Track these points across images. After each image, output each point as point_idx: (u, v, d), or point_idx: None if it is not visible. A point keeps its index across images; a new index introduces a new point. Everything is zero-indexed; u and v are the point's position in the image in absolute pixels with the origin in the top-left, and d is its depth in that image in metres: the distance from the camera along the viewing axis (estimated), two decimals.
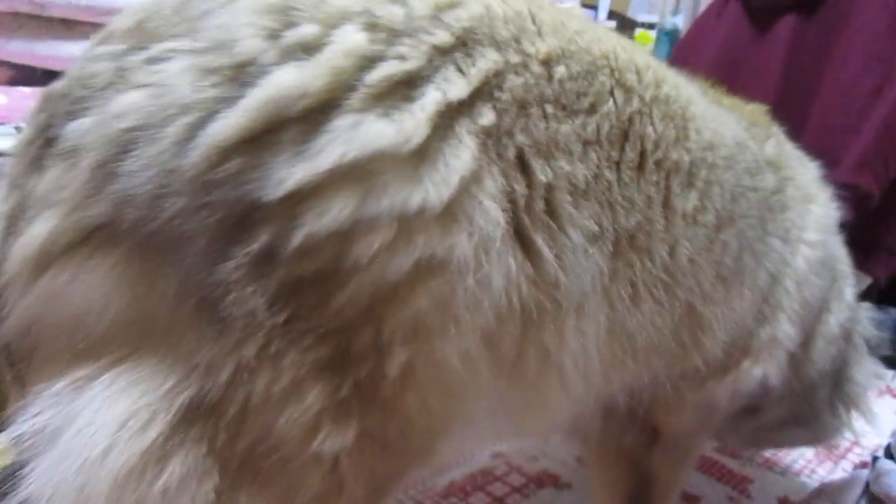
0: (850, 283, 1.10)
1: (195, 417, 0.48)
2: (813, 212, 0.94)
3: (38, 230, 0.48)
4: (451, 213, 0.50)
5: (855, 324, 1.12)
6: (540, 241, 0.57)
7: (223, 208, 0.46)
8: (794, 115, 1.98)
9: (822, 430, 1.16)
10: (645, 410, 0.87)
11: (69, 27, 1.62)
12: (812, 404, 1.08)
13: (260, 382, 0.48)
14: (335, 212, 0.47)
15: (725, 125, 0.83)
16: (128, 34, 0.51)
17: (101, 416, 0.47)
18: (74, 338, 0.49)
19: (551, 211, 0.58)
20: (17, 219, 0.51)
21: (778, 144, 0.95)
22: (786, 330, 0.90)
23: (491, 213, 0.53)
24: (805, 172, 0.99)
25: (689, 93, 0.78)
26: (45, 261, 0.49)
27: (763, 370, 0.90)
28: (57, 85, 0.53)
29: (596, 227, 0.62)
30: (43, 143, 0.51)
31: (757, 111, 0.98)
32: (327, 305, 0.49)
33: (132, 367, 0.48)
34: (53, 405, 0.48)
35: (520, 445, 1.44)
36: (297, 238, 0.46)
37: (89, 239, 0.48)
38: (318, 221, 0.46)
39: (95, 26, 0.56)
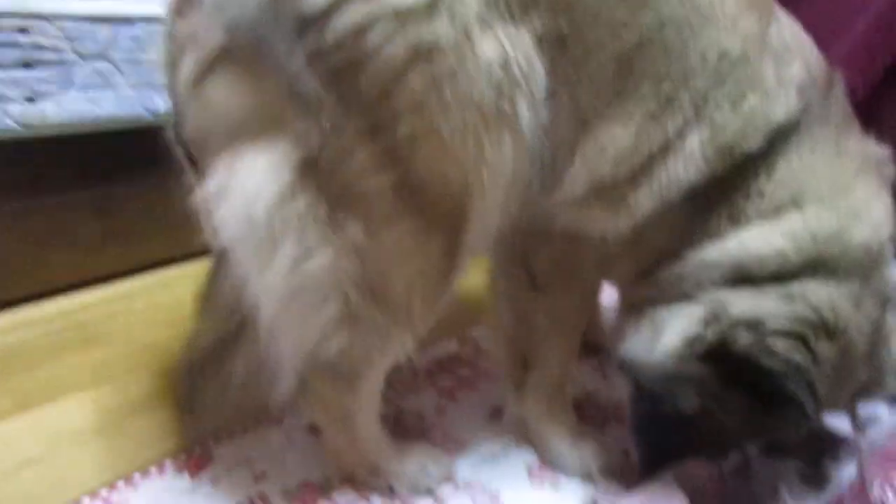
0: None
1: (305, 169, 0.74)
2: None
3: (188, 61, 0.75)
4: (435, 6, 0.70)
5: None
6: (501, 34, 0.75)
7: (288, 22, 0.69)
8: (784, 7, 1.88)
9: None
10: (526, 234, 0.97)
11: None
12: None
13: (333, 143, 0.73)
14: (352, 14, 0.69)
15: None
16: None
17: (252, 173, 0.74)
18: (224, 128, 0.76)
19: (509, 11, 0.75)
20: (175, 56, 0.78)
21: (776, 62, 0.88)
22: (681, 176, 0.86)
23: (467, 2, 0.72)
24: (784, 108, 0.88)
25: None
26: (196, 81, 0.75)
27: (643, 208, 0.88)
28: None
29: (541, 30, 0.78)
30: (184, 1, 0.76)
31: None
32: (357, 85, 0.71)
33: (260, 144, 0.74)
34: (221, 172, 0.76)
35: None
36: (331, 34, 0.69)
37: (218, 61, 0.73)
38: (341, 21, 0.69)
39: None
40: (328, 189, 0.76)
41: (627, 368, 0.97)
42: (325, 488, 1.02)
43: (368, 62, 0.71)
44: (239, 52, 0.72)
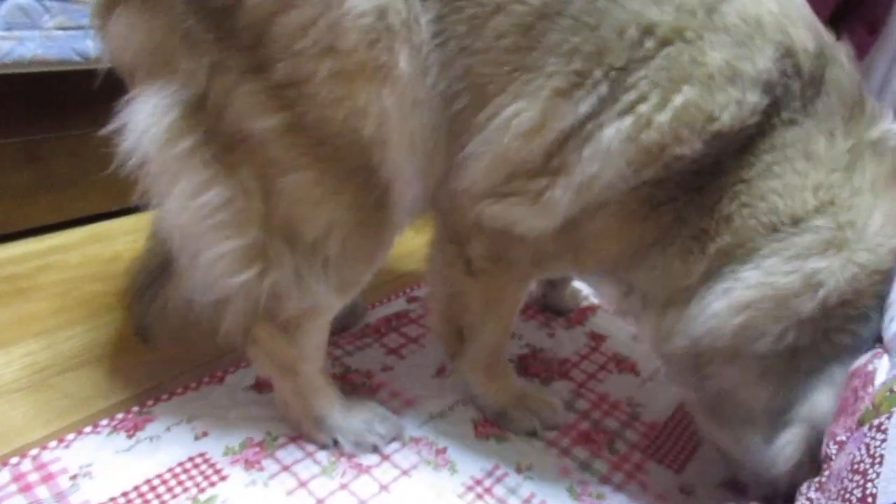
0: None
1: (192, 110, 0.77)
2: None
3: None
4: None
5: None
6: None
7: None
8: None
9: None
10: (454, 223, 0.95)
11: None
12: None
13: (218, 83, 0.76)
14: None
15: None
16: None
17: (142, 111, 0.78)
18: (126, 64, 0.80)
19: None
20: None
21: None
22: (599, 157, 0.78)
23: None
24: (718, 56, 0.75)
25: None
26: (101, 15, 0.80)
27: (562, 205, 0.81)
28: None
29: None
30: None
31: None
32: (234, 28, 0.74)
33: (155, 83, 0.78)
34: (122, 110, 0.80)
35: None
36: None
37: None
38: None
39: None
40: (216, 131, 0.78)
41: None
42: (268, 446, 1.01)
43: (240, 5, 0.73)
44: None
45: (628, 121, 0.75)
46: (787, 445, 0.78)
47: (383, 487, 0.96)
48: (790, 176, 0.76)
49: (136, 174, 0.80)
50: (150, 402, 1.07)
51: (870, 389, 0.67)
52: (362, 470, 0.99)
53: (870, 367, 0.71)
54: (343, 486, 0.95)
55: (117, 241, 1.56)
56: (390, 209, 0.85)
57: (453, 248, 0.98)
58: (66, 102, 1.49)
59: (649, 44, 0.75)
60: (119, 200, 1.64)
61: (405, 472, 0.99)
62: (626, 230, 0.84)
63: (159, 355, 1.17)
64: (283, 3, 0.73)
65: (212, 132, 0.78)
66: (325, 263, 0.86)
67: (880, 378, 0.67)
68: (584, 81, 0.76)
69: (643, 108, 0.75)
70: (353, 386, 1.16)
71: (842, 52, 0.81)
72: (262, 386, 1.12)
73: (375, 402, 1.10)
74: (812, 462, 0.76)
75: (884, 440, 0.52)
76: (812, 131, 0.77)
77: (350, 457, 1.01)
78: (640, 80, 0.75)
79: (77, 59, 1.38)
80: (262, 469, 0.97)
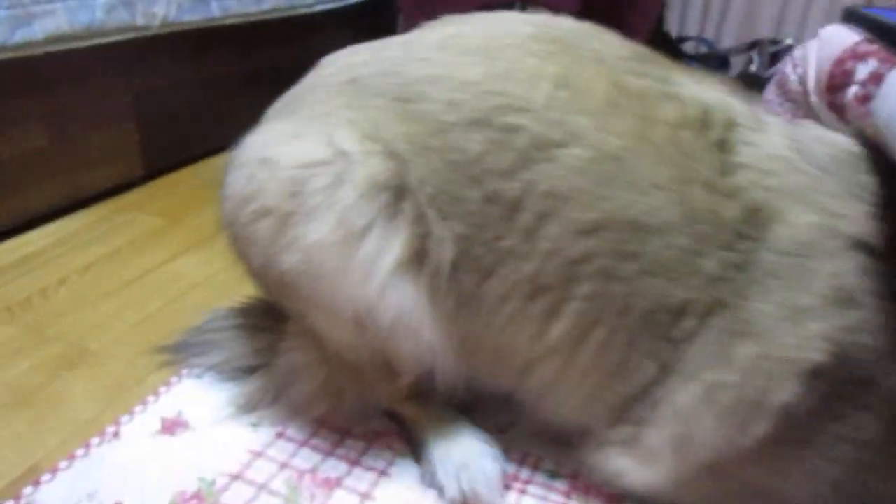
0: None
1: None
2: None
3: None
4: None
5: None
6: None
7: None
8: None
9: None
10: None
11: None
12: None
13: None
14: None
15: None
16: None
17: None
18: None
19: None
20: None
21: None
22: None
23: None
24: None
25: None
26: None
27: None
28: None
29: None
30: None
31: None
32: None
33: None
34: None
35: None
36: None
37: None
38: None
39: None
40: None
41: None
42: (207, 494, 0.81)
43: None
44: None
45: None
46: None
47: (364, 496, 0.82)
48: None
49: None
50: (27, 491, 0.82)
51: None
52: (332, 485, 0.83)
53: None
54: None
55: None
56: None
57: None
58: None
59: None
60: None
61: (383, 473, 0.85)
62: None
63: (24, 428, 0.91)
64: None
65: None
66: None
67: None
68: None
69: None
70: None
71: None
72: (172, 427, 0.91)
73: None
74: None
75: None
76: None
77: (312, 475, 0.85)
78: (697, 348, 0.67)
79: None
80: None
